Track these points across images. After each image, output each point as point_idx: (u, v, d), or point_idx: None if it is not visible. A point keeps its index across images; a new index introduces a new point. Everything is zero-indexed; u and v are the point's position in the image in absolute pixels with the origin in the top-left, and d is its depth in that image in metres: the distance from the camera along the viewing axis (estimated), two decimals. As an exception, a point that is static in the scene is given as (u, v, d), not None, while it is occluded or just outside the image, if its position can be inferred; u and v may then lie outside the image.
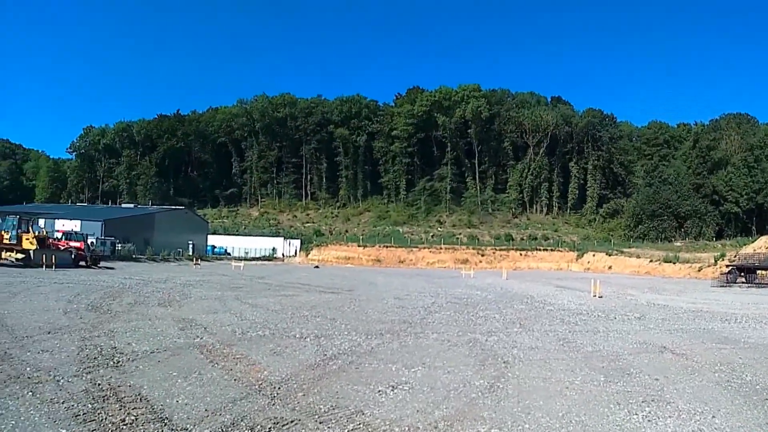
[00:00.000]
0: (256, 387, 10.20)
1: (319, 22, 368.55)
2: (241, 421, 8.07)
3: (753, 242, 79.20)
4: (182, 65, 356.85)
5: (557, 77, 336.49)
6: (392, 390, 10.71)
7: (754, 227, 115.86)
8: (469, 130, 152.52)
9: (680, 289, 47.03)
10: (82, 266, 47.49)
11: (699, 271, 69.79)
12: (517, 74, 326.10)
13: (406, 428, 8.37)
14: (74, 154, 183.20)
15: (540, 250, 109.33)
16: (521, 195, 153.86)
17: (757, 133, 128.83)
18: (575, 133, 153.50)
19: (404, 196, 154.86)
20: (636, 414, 10.19)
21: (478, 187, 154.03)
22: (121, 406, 8.43)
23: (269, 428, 7.86)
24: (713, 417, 10.01)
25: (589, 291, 39.49)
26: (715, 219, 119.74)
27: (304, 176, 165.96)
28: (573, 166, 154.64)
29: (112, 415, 7.95)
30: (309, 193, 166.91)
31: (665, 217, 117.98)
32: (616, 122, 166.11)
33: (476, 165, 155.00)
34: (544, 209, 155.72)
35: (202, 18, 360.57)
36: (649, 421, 9.79)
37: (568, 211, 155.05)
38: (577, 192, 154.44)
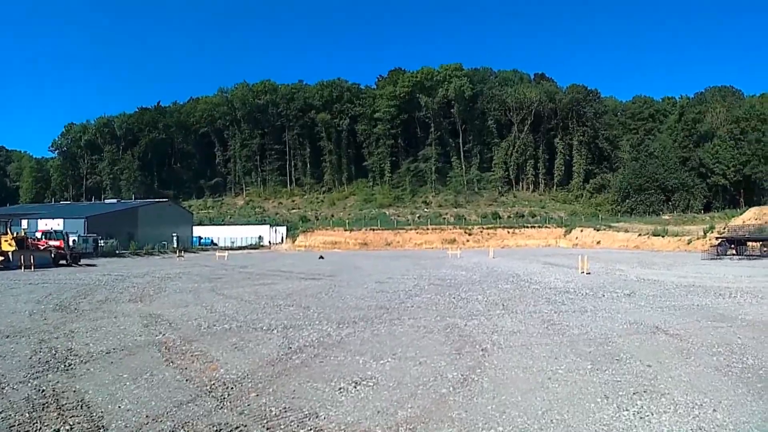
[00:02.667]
0: (208, 388, 9.75)
1: (297, 6, 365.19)
2: (181, 428, 7.62)
3: (742, 214, 78.98)
4: (161, 57, 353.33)
5: (540, 54, 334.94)
6: (355, 387, 10.12)
7: (742, 199, 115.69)
8: (452, 110, 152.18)
9: (670, 263, 46.63)
10: (62, 265, 46.66)
11: (688, 244, 69.63)
12: (499, 52, 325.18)
13: None
14: (56, 152, 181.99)
15: (527, 227, 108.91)
16: (507, 173, 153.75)
17: (743, 106, 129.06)
18: (559, 109, 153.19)
19: (389, 179, 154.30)
20: (626, 409, 9.52)
21: (463, 167, 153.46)
22: (60, 414, 8.05)
23: (210, 437, 7.39)
24: (714, 411, 9.21)
25: (577, 267, 38.87)
26: (703, 192, 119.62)
27: (288, 162, 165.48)
28: (558, 143, 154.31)
29: (47, 426, 7.57)
30: (294, 179, 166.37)
31: (652, 191, 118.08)
32: (600, 98, 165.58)
33: (461, 144, 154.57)
34: (531, 186, 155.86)
35: (181, 7, 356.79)
36: (641, 418, 9.14)
37: (555, 187, 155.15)
38: (563, 168, 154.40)
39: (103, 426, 7.62)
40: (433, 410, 8.97)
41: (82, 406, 8.44)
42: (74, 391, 9.24)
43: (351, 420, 8.32)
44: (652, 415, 9.07)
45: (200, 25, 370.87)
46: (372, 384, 10.35)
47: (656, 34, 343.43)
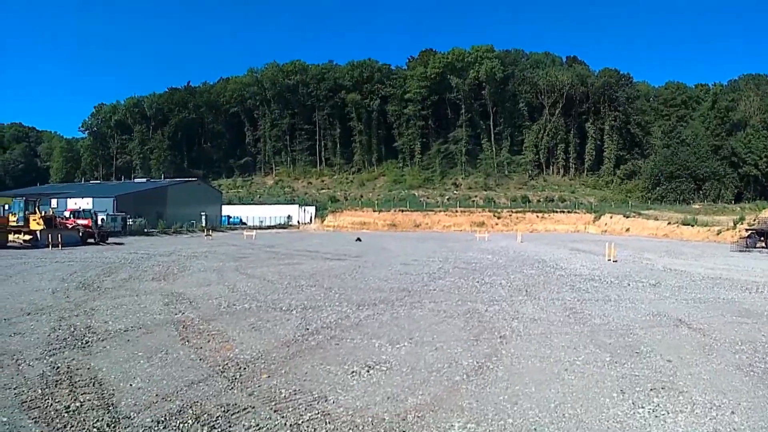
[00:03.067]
0: (221, 368, 9.75)
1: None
2: (189, 408, 7.62)
3: (773, 205, 78.21)
4: (192, 37, 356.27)
5: (572, 37, 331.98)
6: (368, 371, 10.03)
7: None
8: (483, 92, 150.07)
9: (698, 254, 45.95)
10: (90, 244, 46.95)
11: (718, 234, 68.68)
12: (531, 34, 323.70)
13: (369, 419, 7.74)
14: (87, 132, 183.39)
15: (557, 212, 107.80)
16: (537, 156, 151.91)
17: None
18: (591, 93, 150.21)
19: (419, 160, 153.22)
20: (642, 407, 9.28)
21: (493, 149, 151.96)
22: (71, 391, 8.10)
23: (217, 417, 7.41)
24: (732, 413, 8.91)
25: (604, 255, 38.44)
26: (734, 182, 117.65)
27: (317, 143, 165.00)
28: (589, 127, 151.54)
29: (58, 402, 7.65)
30: (323, 159, 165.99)
31: (683, 179, 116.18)
32: (632, 82, 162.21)
33: (491, 126, 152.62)
34: (561, 171, 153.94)
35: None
36: (656, 416, 8.91)
37: (585, 172, 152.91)
38: (594, 153, 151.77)
39: (112, 404, 7.65)
40: (444, 398, 8.86)
41: (94, 384, 8.49)
42: (88, 369, 9.30)
43: (359, 405, 8.25)
44: (668, 413, 8.84)
45: (231, 4, 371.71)
46: (385, 368, 10.29)
47: (691, 19, 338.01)
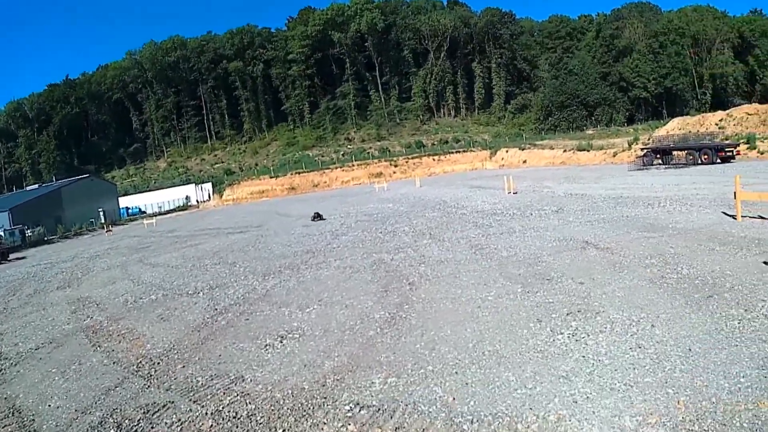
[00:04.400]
0: (135, 367, 9.83)
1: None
2: (110, 417, 7.72)
3: (666, 125, 79.84)
4: (64, 28, 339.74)
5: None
6: (281, 341, 10.23)
7: (664, 110, 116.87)
8: (366, 44, 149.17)
9: (597, 176, 46.84)
10: (-8, 264, 44.84)
11: (614, 156, 70.25)
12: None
13: (289, 391, 7.96)
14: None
15: (452, 152, 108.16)
16: (427, 101, 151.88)
17: (661, 20, 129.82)
18: (475, 33, 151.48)
19: (309, 120, 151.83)
20: (561, 332, 9.54)
21: (382, 99, 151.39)
22: (-8, 424, 7.99)
23: (138, 420, 7.53)
24: (652, 327, 9.37)
25: (504, 188, 38.79)
26: (625, 105, 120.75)
27: (205, 117, 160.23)
28: (476, 67, 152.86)
29: (-21, 442, 7.55)
30: (213, 133, 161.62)
31: (574, 107, 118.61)
32: (515, 19, 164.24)
33: (378, 77, 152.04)
34: (452, 112, 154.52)
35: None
36: (576, 340, 9.20)
37: (477, 111, 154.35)
38: (483, 91, 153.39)
39: (34, 430, 7.68)
40: (361, 356, 9.16)
41: (13, 413, 8.48)
42: (5, 399, 9.25)
43: (277, 378, 8.46)
44: (588, 336, 9.18)
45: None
46: (298, 336, 10.55)
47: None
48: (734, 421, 6.58)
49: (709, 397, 7.15)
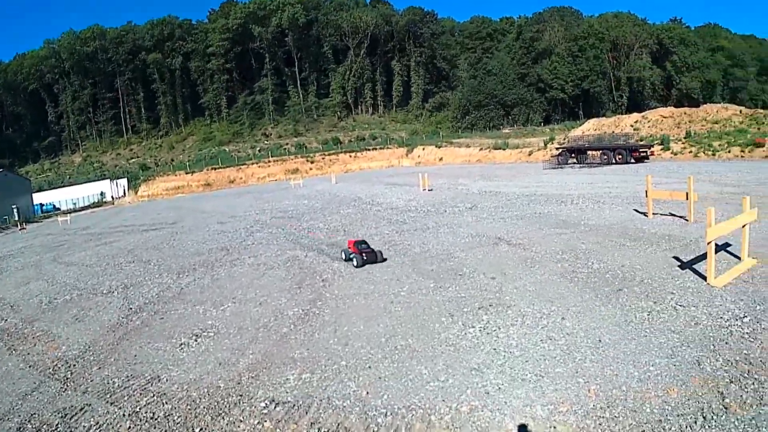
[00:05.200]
0: (51, 370, 9.84)
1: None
2: (28, 422, 7.80)
3: (581, 125, 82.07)
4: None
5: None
6: (195, 340, 10.44)
7: (581, 111, 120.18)
8: (286, 39, 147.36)
9: (512, 174, 47.70)
10: None
11: (530, 155, 71.44)
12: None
13: (205, 390, 8.16)
14: None
15: (369, 149, 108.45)
16: (345, 98, 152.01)
17: (581, 25, 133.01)
18: (396, 31, 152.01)
19: (226, 114, 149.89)
20: (473, 326, 9.97)
21: (300, 95, 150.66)
22: None
23: (56, 425, 7.65)
24: (563, 319, 9.87)
25: (419, 185, 39.31)
26: (542, 105, 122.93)
27: (121, 110, 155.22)
28: (396, 65, 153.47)
29: None
30: (129, 127, 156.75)
31: (492, 107, 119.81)
32: (437, 18, 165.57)
33: (297, 73, 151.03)
34: (370, 109, 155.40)
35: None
36: (488, 333, 9.64)
37: (394, 108, 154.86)
38: (402, 89, 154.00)
39: (-48, 449, 7.64)
40: (275, 353, 9.49)
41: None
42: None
43: (193, 377, 8.64)
44: (499, 329, 9.74)
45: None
46: (213, 334, 10.78)
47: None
48: (644, 408, 7.11)
49: (619, 386, 7.69)
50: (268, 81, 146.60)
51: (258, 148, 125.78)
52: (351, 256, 16.04)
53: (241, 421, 7.38)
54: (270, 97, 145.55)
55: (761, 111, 64.49)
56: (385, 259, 16.04)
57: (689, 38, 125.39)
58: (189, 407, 7.77)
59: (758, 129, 52.67)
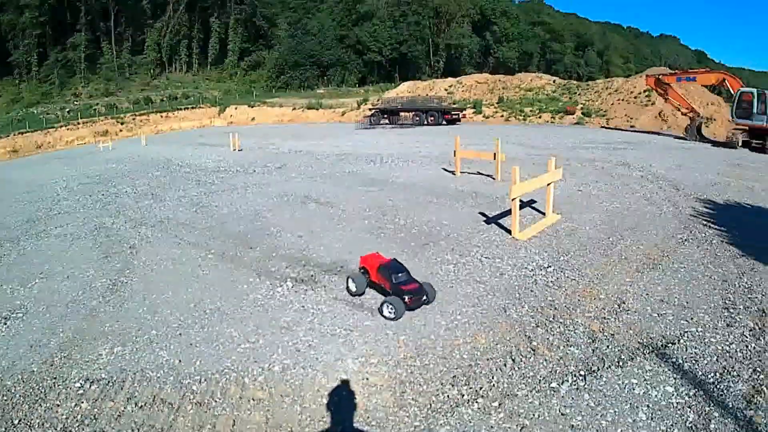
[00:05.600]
0: None
1: None
2: None
3: (396, 87, 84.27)
4: None
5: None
6: (5, 323, 10.04)
7: (397, 74, 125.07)
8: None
9: (324, 134, 48.44)
10: None
11: (343, 115, 72.84)
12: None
13: (19, 377, 7.96)
14: None
15: (181, 109, 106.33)
16: (160, 55, 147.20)
17: None
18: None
19: (36, 73, 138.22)
20: (281, 286, 10.45)
21: (114, 52, 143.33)
22: None
23: None
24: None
25: (230, 146, 39.84)
26: (359, 67, 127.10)
27: None
28: (214, 22, 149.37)
29: None
30: None
31: (308, 67, 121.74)
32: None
33: (112, 27, 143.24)
34: (184, 68, 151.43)
35: None
36: (296, 292, 10.09)
37: (209, 67, 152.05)
38: (218, 47, 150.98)
39: None
40: (86, 328, 9.39)
41: None
42: None
43: (6, 365, 8.36)
44: (307, 290, 10.40)
45: None
46: (22, 315, 10.35)
47: None
48: (454, 354, 7.64)
49: (428, 335, 8.24)
50: (82, 36, 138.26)
51: (67, 110, 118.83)
52: (385, 301, 9.37)
53: (58, 405, 7.21)
54: (83, 53, 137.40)
55: (574, 82, 69.50)
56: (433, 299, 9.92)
57: (511, 11, 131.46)
58: (5, 398, 7.48)
59: (569, 98, 56.18)
